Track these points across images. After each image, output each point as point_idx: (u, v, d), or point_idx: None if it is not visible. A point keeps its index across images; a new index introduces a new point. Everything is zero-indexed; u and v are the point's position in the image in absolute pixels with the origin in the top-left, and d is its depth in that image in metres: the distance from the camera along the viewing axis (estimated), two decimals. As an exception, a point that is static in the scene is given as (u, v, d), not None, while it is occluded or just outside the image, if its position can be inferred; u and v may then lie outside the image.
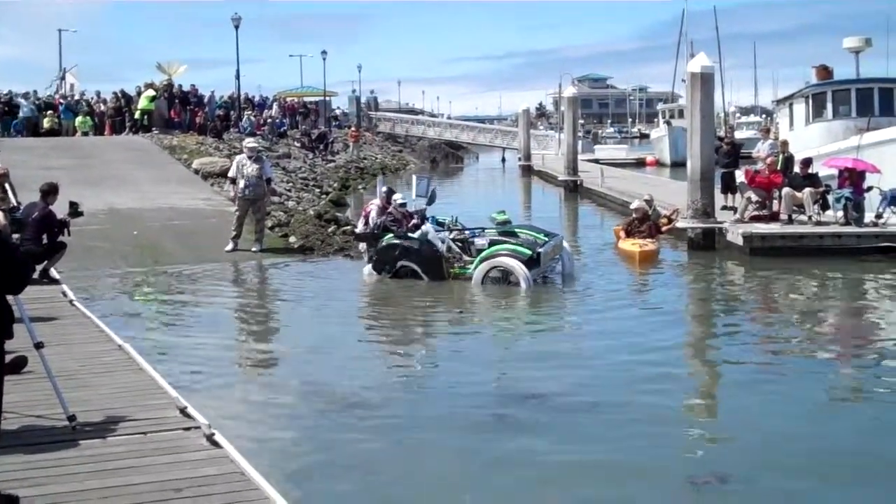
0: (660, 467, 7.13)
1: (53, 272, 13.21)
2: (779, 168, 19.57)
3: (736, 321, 12.91)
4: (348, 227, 19.84)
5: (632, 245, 18.05)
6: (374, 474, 7.12)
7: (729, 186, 21.93)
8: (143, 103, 35.61)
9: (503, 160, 63.24)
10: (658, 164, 54.61)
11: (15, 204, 12.83)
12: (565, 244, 16.29)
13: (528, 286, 14.04)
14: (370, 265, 15.37)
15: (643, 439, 7.74)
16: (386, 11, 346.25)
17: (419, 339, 12.15)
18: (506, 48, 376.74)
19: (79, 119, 36.02)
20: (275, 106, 52.60)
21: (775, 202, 19.08)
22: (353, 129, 56.58)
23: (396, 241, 15.01)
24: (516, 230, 15.52)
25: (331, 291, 14.86)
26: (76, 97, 41.18)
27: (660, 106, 78.27)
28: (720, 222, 18.77)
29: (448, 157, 64.87)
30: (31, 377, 7.49)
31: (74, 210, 12.96)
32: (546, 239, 15.14)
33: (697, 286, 15.80)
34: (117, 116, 37.26)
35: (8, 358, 7.71)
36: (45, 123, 35.25)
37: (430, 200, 16.31)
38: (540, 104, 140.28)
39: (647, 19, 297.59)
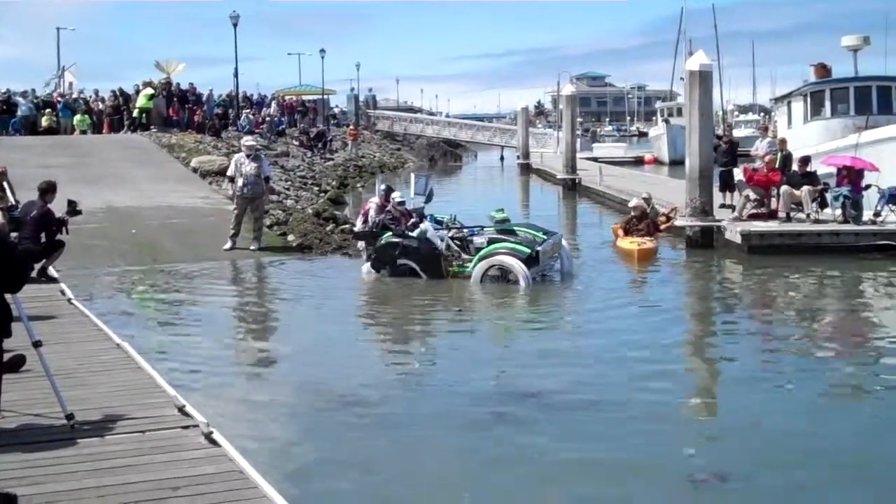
0: (659, 465, 7.14)
1: (52, 271, 13.22)
2: (777, 166, 19.56)
3: (734, 319, 12.92)
4: (347, 226, 19.83)
5: (630, 243, 18.05)
6: (372, 472, 7.13)
7: (727, 184, 21.93)
8: (141, 102, 35.61)
9: (502, 158, 63.24)
10: (656, 162, 54.65)
11: (13, 202, 12.86)
12: (564, 242, 16.29)
13: (527, 284, 14.05)
14: (369, 263, 15.36)
15: (642, 437, 7.75)
16: (384, 9, 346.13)
17: (418, 337, 12.15)
18: (504, 46, 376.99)
19: (77, 117, 36.03)
20: (273, 104, 52.59)
21: (773, 200, 19.07)
22: (351, 127, 56.58)
23: (395, 240, 15.00)
24: (515, 228, 15.52)
25: (329, 290, 14.86)
26: (74, 96, 41.18)
27: (658, 104, 78.26)
28: (718, 220, 18.77)
29: (446, 155, 64.81)
30: (29, 376, 7.49)
31: (73, 208, 12.97)
32: (545, 237, 15.14)
33: (696, 284, 15.82)
34: (115, 115, 37.26)
35: (6, 356, 7.73)
36: (44, 122, 35.25)
37: (428, 198, 16.31)
38: (538, 102, 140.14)
39: (645, 17, 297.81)
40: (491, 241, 14.84)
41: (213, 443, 6.18)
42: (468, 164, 65.27)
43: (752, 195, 19.19)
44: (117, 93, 38.48)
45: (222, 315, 13.13)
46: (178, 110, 37.68)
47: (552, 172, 41.03)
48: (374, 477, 7.06)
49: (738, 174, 21.27)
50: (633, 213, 19.71)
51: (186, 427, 6.52)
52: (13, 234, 11.13)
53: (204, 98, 41.57)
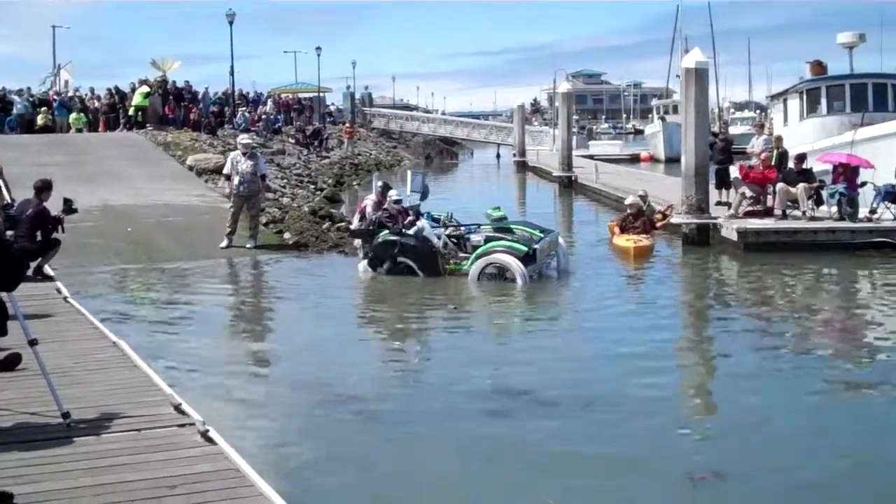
0: (657, 463, 7.14)
1: (48, 269, 13.20)
2: (773, 163, 19.57)
3: (730, 316, 12.93)
4: (343, 224, 19.82)
5: (626, 241, 18.06)
6: (369, 470, 7.13)
7: (723, 182, 21.92)
8: (137, 100, 35.58)
9: (498, 156, 63.22)
10: (652, 159, 54.63)
11: (9, 201, 12.82)
12: (560, 240, 16.30)
13: (524, 282, 14.05)
14: (365, 261, 15.35)
15: (640, 435, 7.75)
16: (380, 7, 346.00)
17: (414, 335, 12.14)
18: (500, 44, 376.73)
19: (73, 116, 35.97)
20: (269, 102, 52.59)
21: (769, 198, 19.09)
22: (347, 125, 56.53)
23: (392, 238, 14.99)
24: (512, 226, 15.52)
25: (326, 288, 14.85)
26: (70, 94, 41.11)
27: (654, 102, 78.26)
28: (714, 218, 18.78)
29: (443, 153, 64.83)
30: (25, 374, 7.49)
31: (68, 207, 12.96)
32: (542, 235, 15.14)
33: (692, 282, 15.83)
34: (111, 113, 37.20)
35: (2, 355, 7.76)
36: (39, 120, 35.20)
37: (424, 195, 16.29)
38: (534, 100, 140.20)
39: (641, 15, 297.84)
40: (488, 240, 14.83)
41: (210, 441, 6.17)
42: (464, 161, 65.27)
43: (749, 192, 19.20)
44: (113, 91, 38.42)
45: (218, 313, 13.11)
46: (174, 108, 37.65)
47: (548, 170, 41.05)
48: (370, 474, 7.06)
49: (734, 171, 21.29)
50: (629, 211, 19.71)
51: (182, 425, 6.51)
52: (9, 233, 11.10)
53: (200, 96, 41.53)
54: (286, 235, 18.83)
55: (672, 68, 60.78)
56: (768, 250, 17.20)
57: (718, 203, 20.87)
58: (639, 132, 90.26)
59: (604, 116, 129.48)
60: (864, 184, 18.20)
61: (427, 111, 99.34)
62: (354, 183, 38.41)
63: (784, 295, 14.54)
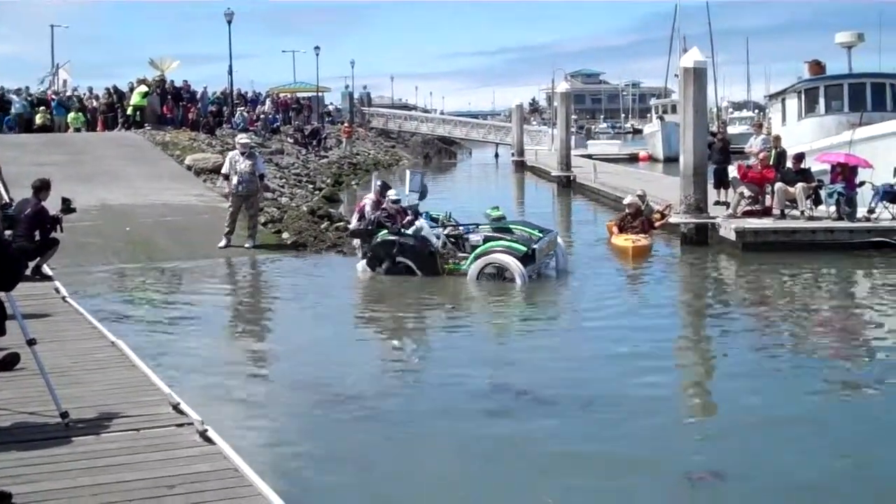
0: (656, 463, 7.14)
1: (46, 269, 13.20)
2: (771, 163, 19.59)
3: (729, 316, 12.92)
4: (341, 224, 19.82)
5: (625, 240, 18.06)
6: (368, 470, 7.12)
7: (721, 181, 21.95)
8: (135, 99, 35.55)
9: (496, 156, 63.21)
10: (651, 159, 54.63)
11: (7, 200, 12.82)
12: (559, 240, 16.30)
13: (523, 282, 14.05)
14: (364, 261, 15.34)
15: (639, 434, 7.75)
16: (379, 7, 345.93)
17: (413, 334, 12.14)
18: (499, 44, 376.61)
19: (71, 115, 35.93)
20: (268, 102, 52.57)
21: (768, 197, 19.10)
22: (346, 124, 56.54)
23: (391, 238, 14.98)
24: (511, 226, 15.51)
25: (324, 288, 14.85)
26: (68, 93, 41.07)
27: (653, 101, 78.32)
28: (713, 217, 18.78)
29: (441, 152, 64.85)
30: (23, 374, 7.49)
31: (67, 206, 12.95)
32: (541, 235, 15.13)
33: (690, 281, 15.83)
34: (109, 112, 37.17)
35: (0, 354, 7.75)
36: (38, 119, 35.14)
37: (422, 194, 16.28)
38: (533, 100, 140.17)
39: (639, 14, 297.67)
40: (487, 239, 14.83)
41: (208, 441, 6.16)
42: (463, 161, 65.30)
43: (747, 192, 19.21)
44: (111, 90, 38.39)
45: (217, 313, 13.11)
46: (172, 108, 37.62)
47: (547, 170, 41.06)
48: (369, 474, 7.05)
49: (732, 171, 21.30)
50: (627, 211, 19.71)
51: (181, 425, 6.51)
52: (7, 233, 11.10)
53: (198, 95, 41.50)
54: (285, 235, 18.82)
55: (670, 68, 60.77)
56: (767, 250, 17.20)
57: (717, 203, 20.88)
58: (637, 132, 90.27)
59: (602, 116, 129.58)
60: (862, 183, 18.21)
61: (425, 111, 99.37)
62: (353, 182, 38.39)
63: (782, 294, 14.54)
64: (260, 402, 8.80)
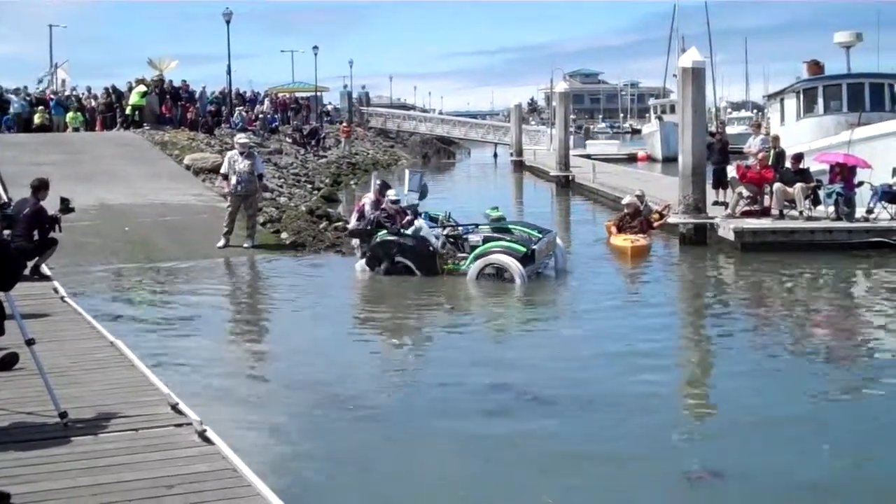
0: (656, 462, 7.13)
1: (45, 268, 13.19)
2: (770, 163, 19.59)
3: (728, 316, 12.92)
4: (340, 223, 19.82)
5: (623, 240, 18.06)
6: (367, 470, 7.11)
7: (720, 182, 21.96)
8: (134, 99, 35.56)
9: (495, 155, 63.23)
10: (649, 159, 54.65)
11: (6, 200, 12.80)
12: (558, 240, 16.30)
13: (522, 282, 14.04)
14: (363, 261, 15.33)
15: (639, 434, 7.75)
16: (377, 7, 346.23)
17: (412, 334, 12.12)
18: (498, 43, 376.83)
19: (69, 115, 35.94)
20: (266, 101, 52.60)
21: (766, 197, 19.11)
22: (344, 124, 56.57)
23: (391, 238, 14.98)
24: (510, 227, 15.51)
25: (323, 288, 14.84)
26: (67, 93, 41.06)
27: (651, 101, 78.38)
28: (711, 217, 18.78)
29: (440, 152, 64.86)
30: (22, 374, 7.48)
31: (65, 206, 12.93)
32: (540, 236, 15.13)
33: (689, 281, 15.83)
34: (108, 112, 37.18)
35: (-1, 354, 7.75)
36: (36, 119, 35.14)
37: (422, 195, 16.27)
38: (532, 99, 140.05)
39: (638, 14, 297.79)
40: (486, 240, 14.83)
41: (207, 441, 6.16)
42: (461, 161, 65.31)
43: (746, 192, 19.21)
44: (110, 90, 38.41)
45: (215, 313, 13.09)
46: (170, 107, 37.63)
47: (545, 170, 41.06)
48: (369, 474, 7.04)
49: (731, 171, 21.31)
50: (626, 211, 19.72)
51: (180, 425, 6.51)
52: (6, 232, 11.08)
53: (197, 95, 41.50)
54: (283, 235, 18.81)
55: (669, 68, 61.00)
56: (765, 250, 17.20)
57: (715, 203, 20.88)
58: (636, 132, 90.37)
59: (601, 116, 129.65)
60: (860, 183, 18.21)
61: (424, 110, 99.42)
62: (352, 182, 38.39)
63: (781, 294, 14.55)
64: (259, 402, 8.80)
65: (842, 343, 11.31)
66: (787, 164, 19.32)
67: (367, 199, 16.08)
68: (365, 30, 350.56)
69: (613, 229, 19.32)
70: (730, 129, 46.44)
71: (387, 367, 10.34)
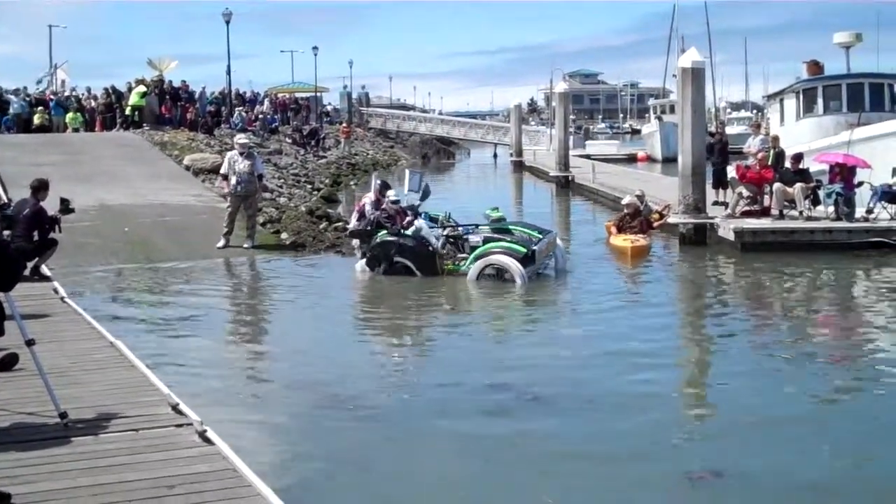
0: (656, 462, 7.13)
1: (44, 269, 13.18)
2: (770, 163, 19.60)
3: (728, 316, 12.92)
4: (340, 224, 19.82)
5: (623, 240, 18.06)
6: (367, 470, 7.11)
7: (720, 182, 21.97)
8: (133, 99, 35.56)
9: (495, 156, 63.24)
10: (649, 159, 54.65)
11: (5, 201, 12.80)
12: (558, 240, 16.30)
13: (523, 283, 14.04)
14: (363, 261, 15.33)
15: (639, 434, 7.74)
16: (377, 7, 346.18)
17: (412, 335, 12.12)
18: (497, 44, 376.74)
19: (69, 115, 35.95)
20: (266, 102, 52.61)
21: (766, 197, 19.11)
22: (344, 125, 56.56)
23: (391, 238, 14.98)
24: (510, 227, 15.51)
25: (323, 288, 14.84)
26: (66, 93, 41.06)
27: (651, 101, 78.32)
28: (711, 217, 18.79)
29: (440, 152, 64.87)
30: (22, 374, 7.48)
31: (65, 206, 12.93)
32: (540, 236, 15.13)
33: (689, 281, 15.83)
34: (108, 112, 37.18)
35: (-1, 355, 7.74)
36: (36, 120, 35.15)
37: (424, 196, 16.25)
38: (531, 100, 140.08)
39: (638, 14, 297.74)
40: (486, 240, 14.82)
41: (207, 441, 6.16)
42: (461, 161, 65.31)
43: (745, 192, 19.22)
44: (110, 90, 38.40)
45: (215, 313, 13.08)
46: (170, 108, 37.62)
47: (545, 170, 41.08)
48: (369, 474, 7.04)
49: (730, 171, 21.32)
50: (626, 211, 19.73)
51: (180, 425, 6.50)
52: (6, 233, 11.07)
53: (196, 96, 41.49)
54: (283, 235, 18.81)
55: (669, 68, 60.99)
56: (765, 250, 17.21)
57: (715, 203, 20.89)
58: (636, 132, 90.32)
59: (600, 116, 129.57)
60: (860, 184, 18.21)
61: (424, 111, 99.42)
62: (351, 183, 38.39)
63: (781, 295, 14.55)
64: (259, 402, 8.80)
65: (842, 343, 11.31)
66: (787, 165, 19.32)
67: (368, 199, 16.08)
68: (365, 30, 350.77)
69: (613, 229, 19.32)
70: (729, 130, 46.45)
71: (387, 367, 10.34)
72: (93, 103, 38.59)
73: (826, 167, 18.79)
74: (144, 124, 34.41)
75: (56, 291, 11.85)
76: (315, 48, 62.37)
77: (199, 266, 16.20)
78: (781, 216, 18.47)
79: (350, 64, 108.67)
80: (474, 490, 6.74)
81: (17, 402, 6.93)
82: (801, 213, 18.29)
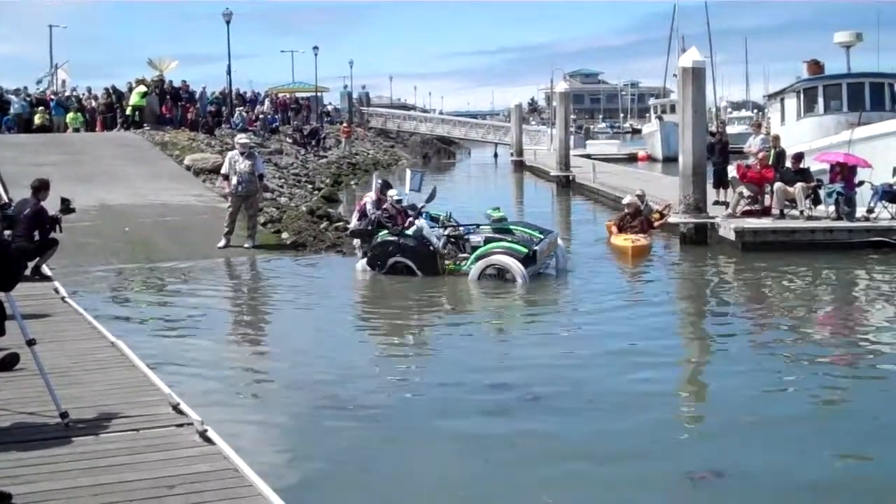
0: (657, 462, 7.13)
1: (45, 269, 13.19)
2: (770, 163, 19.60)
3: (728, 316, 12.93)
4: (341, 223, 19.83)
5: (624, 240, 18.06)
6: (367, 470, 7.11)
7: (721, 181, 21.97)
8: (134, 99, 35.57)
9: (495, 155, 63.23)
10: (650, 159, 54.65)
11: (6, 200, 12.80)
12: (559, 240, 16.30)
13: (524, 283, 14.04)
14: (364, 261, 15.33)
15: (640, 434, 7.74)
16: (378, 7, 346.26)
17: (413, 334, 12.12)
18: (498, 43, 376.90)
19: (70, 115, 35.95)
20: (266, 102, 52.61)
21: (767, 197, 19.11)
22: (344, 124, 56.56)
23: (392, 238, 14.98)
24: (511, 227, 15.50)
25: (324, 288, 14.84)
26: (67, 93, 41.07)
27: (651, 101, 78.37)
28: (712, 217, 18.79)
29: (440, 152, 64.87)
30: (23, 374, 7.48)
31: (66, 206, 12.94)
32: (541, 236, 15.12)
33: (689, 281, 15.81)
34: (108, 113, 37.19)
35: (0, 355, 7.75)
36: (37, 120, 35.16)
37: (430, 198, 16.11)
38: (532, 99, 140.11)
39: (638, 14, 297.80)
40: (488, 240, 14.82)
41: (208, 441, 6.16)
42: (462, 161, 65.31)
43: (746, 192, 19.22)
44: (110, 90, 38.41)
45: (216, 313, 13.09)
46: (171, 108, 37.65)
47: (546, 170, 41.06)
48: (369, 474, 7.04)
49: (731, 171, 21.32)
50: (626, 210, 19.72)
51: (181, 425, 6.51)
52: (6, 233, 11.09)
53: (197, 95, 41.50)
54: (284, 235, 18.82)
55: (669, 68, 60.99)
56: (766, 250, 17.21)
57: (716, 202, 20.90)
58: (636, 132, 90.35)
59: (601, 116, 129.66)
60: (861, 183, 18.21)
61: (424, 111, 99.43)
62: (352, 182, 38.39)
63: (782, 294, 14.54)
64: (260, 402, 8.81)
65: (842, 343, 11.30)
66: (788, 164, 19.32)
67: (369, 198, 16.08)
68: (365, 30, 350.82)
69: (614, 229, 19.32)
70: (730, 129, 46.42)
71: (387, 367, 10.33)
72: (93, 103, 38.59)
73: (827, 167, 18.78)
74: (145, 124, 34.42)
75: (57, 291, 11.86)
76: (315, 48, 62.52)
77: (199, 266, 16.21)
78: (782, 216, 18.47)
79: (350, 64, 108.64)
80: (474, 490, 6.74)
81: (18, 401, 6.93)
82: (801, 212, 18.29)
